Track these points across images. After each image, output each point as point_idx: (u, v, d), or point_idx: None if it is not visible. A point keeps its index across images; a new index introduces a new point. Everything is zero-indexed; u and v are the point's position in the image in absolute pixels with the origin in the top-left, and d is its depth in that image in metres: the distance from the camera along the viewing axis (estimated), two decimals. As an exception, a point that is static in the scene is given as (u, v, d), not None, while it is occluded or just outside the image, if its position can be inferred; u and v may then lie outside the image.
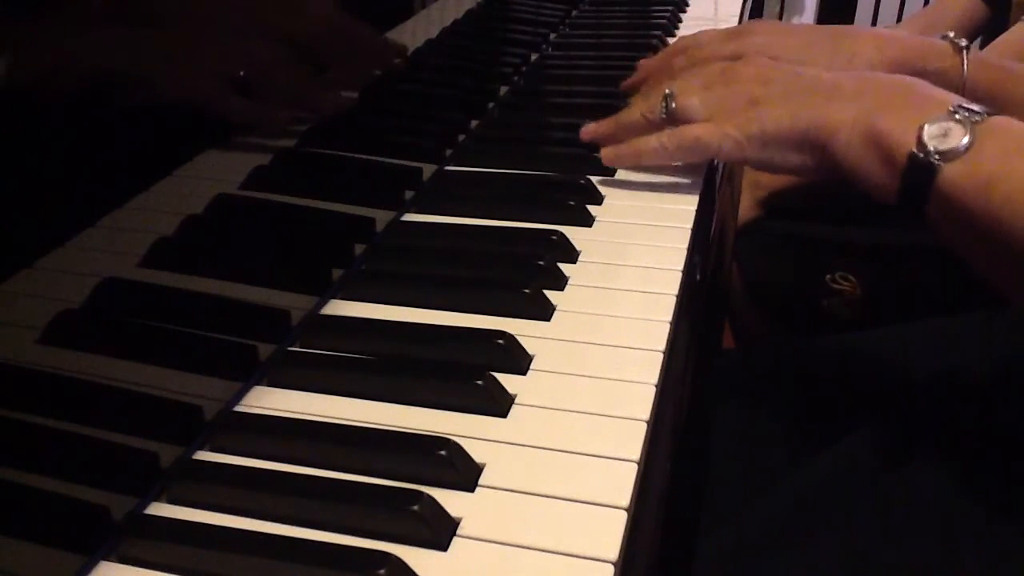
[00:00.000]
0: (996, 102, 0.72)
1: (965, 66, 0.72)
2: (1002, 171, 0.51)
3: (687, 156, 0.66)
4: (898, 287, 1.04)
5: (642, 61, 0.87)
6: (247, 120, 0.51)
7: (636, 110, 0.69)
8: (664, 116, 0.66)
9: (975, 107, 0.54)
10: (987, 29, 1.37)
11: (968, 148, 0.52)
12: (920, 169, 0.53)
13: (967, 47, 0.73)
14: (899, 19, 2.53)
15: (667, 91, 0.66)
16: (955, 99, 0.55)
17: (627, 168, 0.69)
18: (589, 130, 0.71)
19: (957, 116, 0.53)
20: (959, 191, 0.52)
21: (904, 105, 0.56)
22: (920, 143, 0.53)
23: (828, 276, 1.04)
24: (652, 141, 0.66)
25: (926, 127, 0.53)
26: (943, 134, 0.53)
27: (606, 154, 0.69)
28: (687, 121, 0.65)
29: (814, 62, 0.73)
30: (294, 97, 0.56)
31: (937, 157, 0.52)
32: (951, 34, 0.75)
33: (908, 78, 0.60)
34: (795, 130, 0.59)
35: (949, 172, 0.52)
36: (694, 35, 0.82)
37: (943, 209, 0.53)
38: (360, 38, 0.64)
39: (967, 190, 0.52)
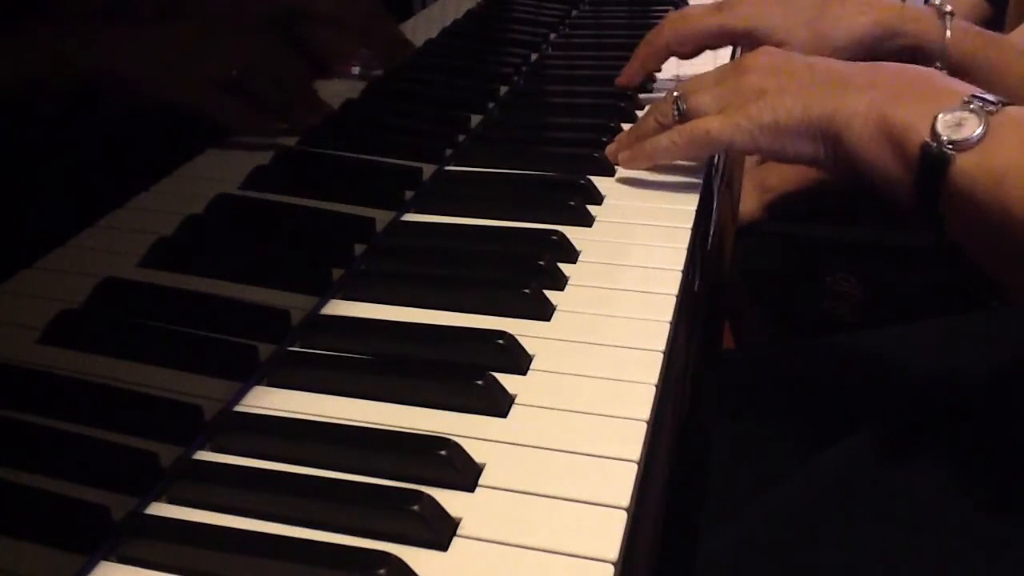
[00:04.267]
0: (977, 70, 0.72)
1: (948, 32, 0.73)
2: (1016, 164, 0.50)
3: (700, 150, 0.66)
4: (899, 289, 1.04)
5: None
6: (241, 123, 0.51)
7: (650, 118, 0.68)
8: (677, 118, 0.65)
9: (990, 97, 0.53)
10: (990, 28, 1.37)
11: (982, 138, 0.51)
12: (933, 159, 0.52)
13: (951, 13, 0.73)
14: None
15: (676, 93, 0.65)
16: (970, 89, 0.54)
17: (634, 169, 0.69)
18: (611, 150, 0.71)
19: (972, 106, 0.52)
20: (972, 183, 0.51)
21: (918, 95, 0.55)
22: (933, 133, 0.52)
23: (829, 278, 1.05)
24: (663, 139, 0.66)
25: (940, 117, 0.52)
26: (957, 124, 0.52)
27: (621, 158, 0.69)
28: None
29: (797, 30, 0.74)
30: (288, 97, 0.56)
31: (950, 147, 0.51)
32: (937, 1, 0.75)
33: (923, 68, 0.59)
34: (808, 120, 0.58)
35: (962, 163, 0.51)
36: (681, 10, 0.83)
37: (955, 202, 0.52)
38: (368, 29, 0.64)
39: (980, 182, 0.51)
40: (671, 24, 0.81)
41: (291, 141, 0.57)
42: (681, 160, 0.68)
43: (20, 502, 0.36)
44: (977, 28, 0.75)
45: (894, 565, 0.57)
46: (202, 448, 0.44)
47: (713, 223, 0.68)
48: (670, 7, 1.14)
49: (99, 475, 0.39)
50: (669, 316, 0.52)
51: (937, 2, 0.75)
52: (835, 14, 0.75)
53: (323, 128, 0.59)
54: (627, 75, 0.85)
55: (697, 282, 0.59)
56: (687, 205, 0.65)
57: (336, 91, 0.61)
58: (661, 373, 0.48)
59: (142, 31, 0.43)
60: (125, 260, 0.42)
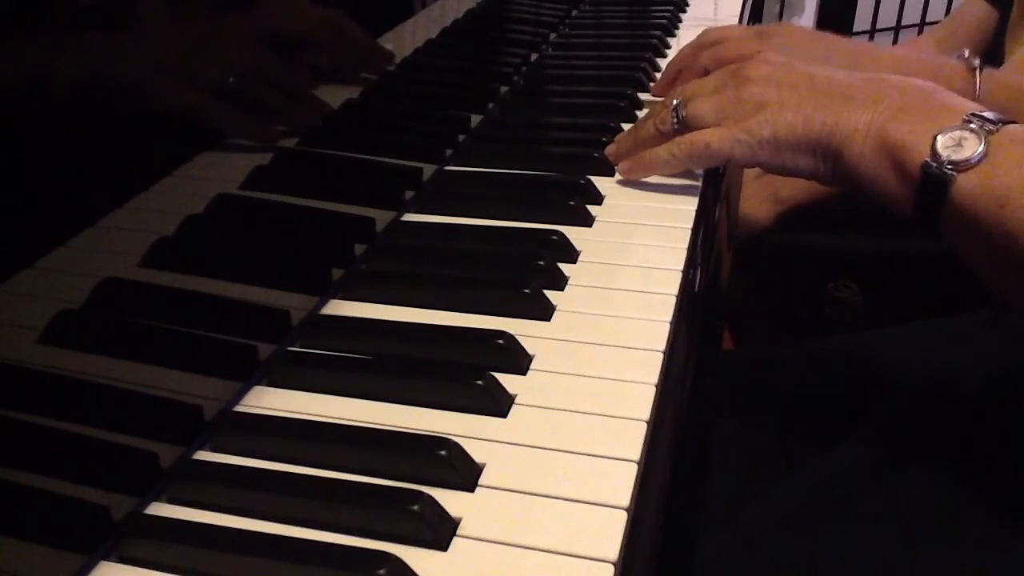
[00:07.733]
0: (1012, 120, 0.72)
1: (978, 86, 0.72)
2: (1016, 184, 0.50)
3: (698, 163, 0.65)
4: (900, 296, 1.04)
5: (671, 60, 0.86)
6: (238, 130, 0.51)
7: (649, 123, 0.68)
8: (676, 126, 0.65)
9: (989, 115, 0.53)
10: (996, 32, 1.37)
11: (982, 158, 0.51)
12: (934, 180, 0.52)
13: (980, 66, 0.73)
14: (898, 20, 2.53)
15: (676, 100, 0.65)
16: (970, 106, 0.54)
17: (633, 179, 0.69)
18: (611, 152, 0.70)
19: (972, 125, 0.52)
20: (973, 203, 0.51)
21: (919, 113, 0.55)
22: (934, 153, 0.52)
23: (830, 284, 1.05)
24: (662, 152, 0.65)
25: (940, 137, 0.52)
26: (957, 143, 0.52)
27: (621, 168, 0.69)
28: (699, 128, 0.64)
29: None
30: (284, 104, 0.56)
31: (950, 167, 0.51)
32: (966, 53, 0.74)
33: (924, 83, 0.59)
34: (808, 135, 0.58)
35: (963, 183, 0.51)
36: (721, 29, 0.82)
37: (956, 221, 0.52)
38: (353, 39, 0.64)
39: (981, 202, 0.51)
40: (711, 49, 0.79)
41: (291, 141, 0.57)
42: (681, 171, 0.67)
43: (20, 502, 0.36)
44: (1005, 77, 0.74)
45: (893, 566, 0.57)
46: (202, 448, 0.44)
47: (714, 223, 0.68)
48: (670, 7, 1.14)
49: (99, 475, 0.39)
50: (669, 316, 0.52)
51: (966, 54, 0.74)
52: (866, 69, 0.74)
53: (323, 128, 0.59)
54: (661, 93, 0.84)
55: (697, 282, 0.59)
56: (687, 205, 0.65)
57: (336, 91, 0.61)
58: (661, 373, 0.48)
59: (141, 34, 0.43)
60: (125, 260, 0.42)
